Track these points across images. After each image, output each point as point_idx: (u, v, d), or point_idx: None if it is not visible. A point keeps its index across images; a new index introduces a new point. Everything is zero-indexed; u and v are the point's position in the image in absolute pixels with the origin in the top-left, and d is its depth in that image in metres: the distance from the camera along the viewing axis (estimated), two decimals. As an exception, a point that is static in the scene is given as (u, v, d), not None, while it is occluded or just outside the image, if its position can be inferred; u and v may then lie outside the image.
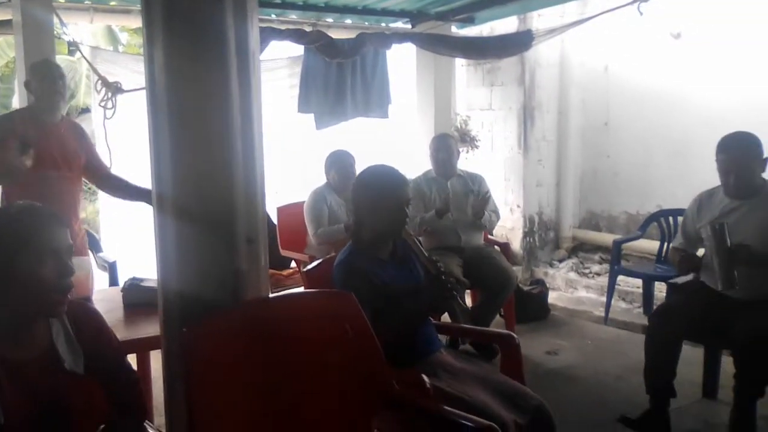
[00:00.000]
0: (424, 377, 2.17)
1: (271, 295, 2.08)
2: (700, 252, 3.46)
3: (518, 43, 4.11)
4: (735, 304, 3.18)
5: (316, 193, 4.51)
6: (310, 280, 2.65)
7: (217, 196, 1.91)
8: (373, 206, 2.51)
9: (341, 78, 4.70)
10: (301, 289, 3.11)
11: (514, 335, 2.65)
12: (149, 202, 2.11)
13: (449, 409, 1.99)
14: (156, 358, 2.43)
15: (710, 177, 3.57)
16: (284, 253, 4.65)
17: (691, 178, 5.38)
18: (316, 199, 4.46)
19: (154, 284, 2.85)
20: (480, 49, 4.11)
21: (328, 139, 5.07)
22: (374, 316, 2.24)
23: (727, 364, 3.58)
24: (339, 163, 4.49)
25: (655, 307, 5.11)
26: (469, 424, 1.89)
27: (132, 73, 4.47)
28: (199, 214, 1.90)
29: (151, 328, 2.55)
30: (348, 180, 4.46)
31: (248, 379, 1.88)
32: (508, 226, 6.12)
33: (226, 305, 1.91)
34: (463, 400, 2.21)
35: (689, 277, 3.65)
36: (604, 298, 5.33)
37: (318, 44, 3.89)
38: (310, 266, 2.63)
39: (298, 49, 4.67)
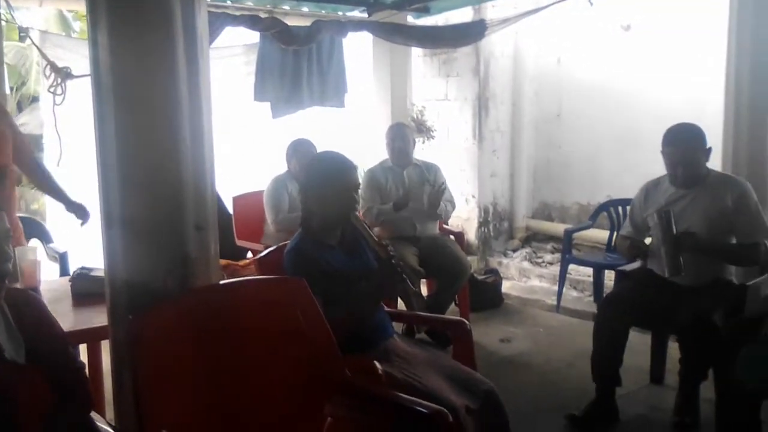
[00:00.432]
0: (376, 363, 2.16)
1: (220, 282, 2.04)
2: (647, 241, 3.52)
3: (472, 32, 4.13)
4: (680, 290, 3.24)
5: (277, 180, 4.46)
6: (262, 268, 2.61)
7: (165, 183, 1.87)
8: (320, 192, 2.49)
9: (297, 67, 4.65)
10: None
11: (465, 321, 2.66)
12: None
13: (400, 394, 1.98)
14: (108, 351, 2.38)
15: (658, 167, 3.62)
16: (240, 243, 4.59)
17: (640, 168, 5.46)
18: (276, 186, 4.42)
19: (102, 274, 2.80)
20: (435, 39, 4.11)
21: (284, 129, 5.02)
22: (325, 303, 2.23)
23: (673, 350, 3.67)
24: (300, 151, 4.45)
25: (604, 294, 5.23)
26: (420, 409, 1.89)
27: (83, 58, 4.30)
28: (146, 201, 1.87)
29: (101, 318, 2.47)
30: None
31: (197, 368, 1.85)
32: (464, 217, 6.14)
33: (174, 293, 1.88)
34: (415, 386, 2.21)
35: (636, 264, 3.72)
36: (556, 287, 5.40)
37: (273, 31, 3.84)
38: (262, 254, 2.59)
39: (254, 37, 4.61)
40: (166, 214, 1.87)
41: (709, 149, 3.31)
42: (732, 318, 3.15)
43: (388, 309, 2.66)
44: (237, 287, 2.20)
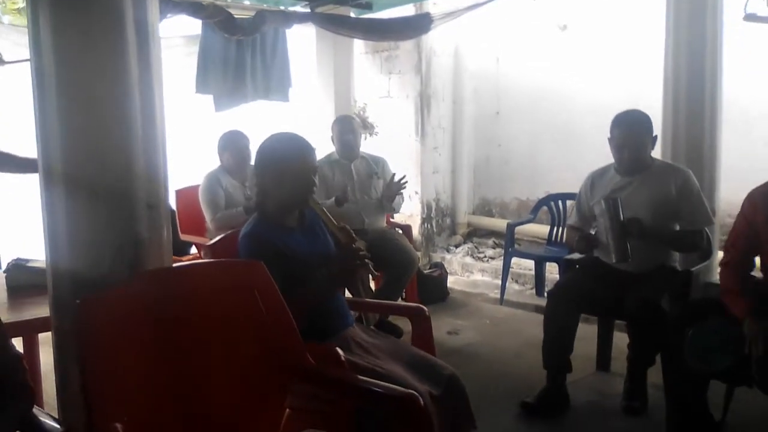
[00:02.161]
0: (339, 350, 2.04)
1: (174, 265, 1.89)
2: (593, 232, 3.52)
3: (417, 26, 4.06)
4: (627, 277, 3.24)
5: (210, 176, 4.24)
6: (214, 256, 2.44)
7: (114, 156, 1.71)
8: (277, 174, 2.34)
9: (241, 59, 4.47)
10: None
11: (424, 308, 2.57)
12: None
13: (369, 379, 1.87)
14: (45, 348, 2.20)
15: (595, 163, 3.65)
16: (184, 237, 4.36)
17: (577, 164, 5.52)
18: (210, 183, 4.20)
19: (41, 265, 2.58)
20: (380, 31, 4.03)
21: (226, 121, 4.82)
22: (283, 287, 2.09)
23: (618, 338, 3.69)
24: (233, 144, 4.25)
25: (546, 287, 5.25)
26: (391, 393, 1.78)
27: (15, 45, 4.07)
28: (93, 177, 1.70)
29: (38, 311, 2.29)
30: (243, 162, 4.25)
31: (151, 356, 1.69)
32: (407, 213, 6.07)
33: (124, 276, 1.71)
34: (378, 374, 2.10)
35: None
36: (498, 281, 5.40)
37: (216, 20, 3.67)
38: (213, 240, 2.43)
39: (195, 28, 4.42)
40: (115, 192, 1.70)
41: (655, 137, 3.34)
42: (678, 302, 3.18)
43: (348, 298, 2.54)
44: (192, 270, 2.03)
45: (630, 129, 3.26)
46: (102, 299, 1.64)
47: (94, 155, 1.69)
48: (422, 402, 1.82)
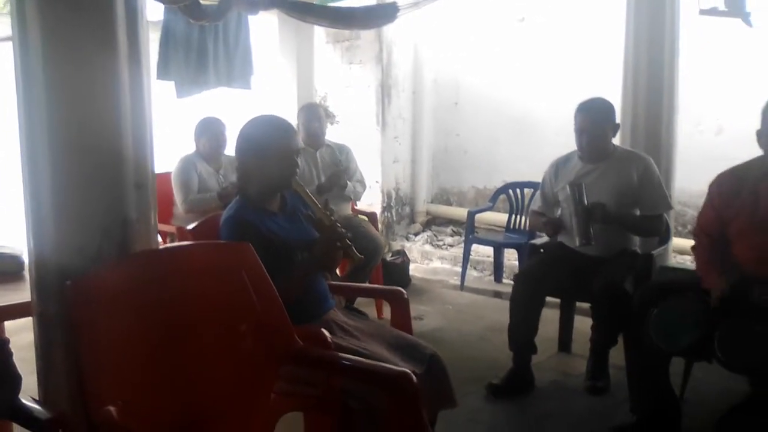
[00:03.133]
0: (325, 332, 2.03)
1: (161, 247, 1.84)
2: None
3: (383, 14, 4.04)
4: (590, 260, 3.31)
5: (185, 160, 4.18)
6: (194, 240, 2.38)
7: (102, 135, 1.65)
8: (259, 156, 2.30)
9: (203, 45, 4.37)
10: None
11: (403, 290, 2.58)
12: None
13: (360, 359, 1.86)
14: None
15: (551, 153, 3.72)
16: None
17: (534, 154, 5.63)
18: (184, 166, 4.14)
19: (10, 251, 2.49)
20: (347, 19, 4.00)
21: (189, 109, 4.73)
22: (268, 271, 2.06)
23: (578, 321, 3.77)
24: (210, 130, 4.20)
25: (504, 273, 5.33)
26: (382, 372, 1.78)
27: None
28: (79, 157, 1.64)
29: (7, 297, 2.21)
30: (219, 148, 4.23)
31: (141, 337, 1.65)
32: (368, 202, 6.06)
33: (112, 258, 1.66)
34: (363, 355, 2.09)
35: (545, 238, 3.78)
36: (457, 268, 5.46)
37: (182, 4, 3.58)
38: (193, 224, 2.37)
39: (157, 13, 4.30)
40: (103, 171, 1.64)
41: (617, 125, 3.41)
42: (640, 284, 3.26)
43: (329, 282, 2.53)
44: (181, 252, 1.99)
45: (589, 115, 3.32)
46: (92, 281, 1.59)
47: (81, 134, 1.62)
48: (414, 380, 1.82)
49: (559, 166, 3.57)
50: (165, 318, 1.69)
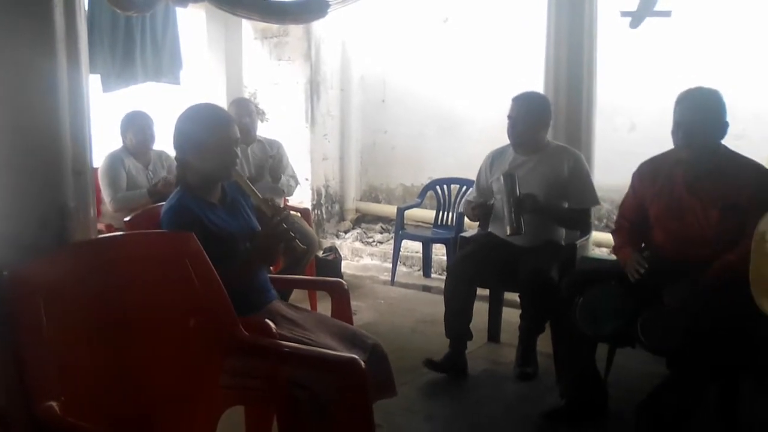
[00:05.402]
0: (270, 322, 1.99)
1: (102, 236, 1.76)
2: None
3: (314, 9, 4.00)
4: (519, 250, 3.38)
5: (112, 156, 4.02)
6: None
7: (38, 120, 1.56)
8: (198, 146, 2.23)
9: (130, 37, 4.21)
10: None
11: (343, 282, 2.57)
12: None
13: (308, 347, 1.83)
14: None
15: (476, 149, 3.81)
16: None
17: (459, 151, 5.74)
18: (112, 163, 3.98)
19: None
20: (277, 14, 3.93)
21: (116, 103, 4.53)
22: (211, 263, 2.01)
23: (506, 312, 3.86)
24: (136, 124, 4.04)
25: (432, 268, 5.40)
26: (330, 359, 1.76)
27: None
28: (14, 140, 1.55)
29: None
30: (147, 142, 4.08)
31: (82, 329, 1.58)
32: (298, 199, 6.01)
33: (50, 248, 1.58)
34: (309, 344, 2.07)
35: (475, 230, 3.85)
36: (387, 264, 5.49)
37: (109, -6, 3.44)
38: (129, 216, 2.27)
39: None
40: (39, 156, 1.56)
41: (547, 120, 3.49)
42: (566, 273, 3.36)
43: (270, 275, 2.48)
44: (122, 241, 1.90)
45: (518, 104, 3.42)
46: (30, 273, 1.50)
47: (15, 117, 1.53)
48: (363, 365, 1.81)
49: (495, 157, 3.63)
50: (107, 310, 1.62)
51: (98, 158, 3.99)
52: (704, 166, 2.72)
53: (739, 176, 2.68)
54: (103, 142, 4.14)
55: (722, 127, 2.69)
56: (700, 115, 2.66)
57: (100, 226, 3.72)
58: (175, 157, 2.30)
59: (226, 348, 1.83)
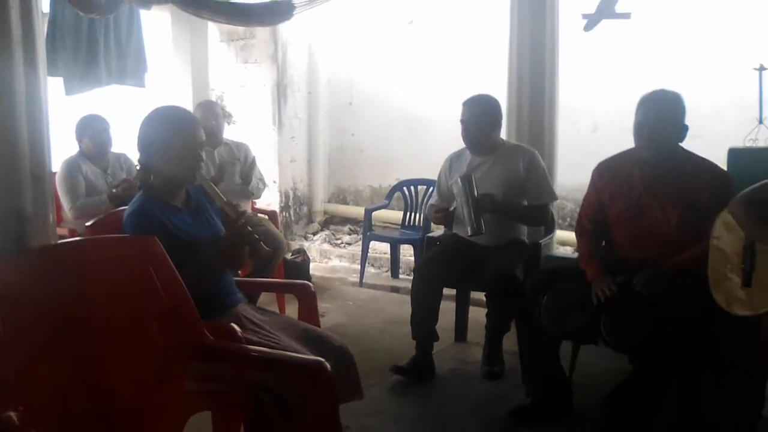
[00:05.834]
0: (235, 326, 1.97)
1: (62, 241, 1.72)
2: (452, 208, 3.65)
3: (280, 12, 3.98)
4: (484, 249, 3.40)
5: (69, 162, 3.91)
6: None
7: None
8: (162, 149, 2.18)
9: (93, 40, 4.12)
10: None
11: (310, 284, 2.56)
12: None
13: (273, 351, 1.82)
14: None
15: (442, 150, 3.82)
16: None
17: (426, 152, 5.75)
18: (69, 170, 3.88)
19: None
20: (243, 16, 3.90)
21: (79, 107, 4.44)
22: (174, 267, 1.98)
23: (473, 312, 3.88)
24: (92, 128, 3.94)
25: (401, 269, 5.40)
26: (296, 362, 1.75)
27: None
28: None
29: None
30: (104, 146, 3.98)
31: (43, 336, 1.54)
32: (266, 201, 5.96)
33: (8, 253, 1.54)
34: (275, 347, 2.05)
35: (442, 231, 3.87)
36: (355, 265, 5.49)
37: (72, -5, 3.37)
38: (92, 221, 2.22)
39: (43, 5, 4.02)
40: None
41: (498, 120, 3.51)
42: (530, 272, 3.39)
43: (236, 278, 2.45)
44: (83, 246, 1.86)
45: (468, 108, 3.46)
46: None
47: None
48: (329, 368, 1.80)
49: (453, 160, 3.66)
50: (68, 316, 1.58)
51: (56, 164, 3.91)
52: (663, 166, 2.76)
53: (697, 177, 2.73)
54: (69, 146, 4.08)
55: (682, 130, 2.75)
56: (663, 116, 2.71)
57: (63, 231, 3.64)
58: (138, 160, 2.26)
59: (191, 352, 1.81)
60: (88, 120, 3.98)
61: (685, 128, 2.74)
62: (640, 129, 2.75)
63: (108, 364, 1.64)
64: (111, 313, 1.67)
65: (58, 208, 3.89)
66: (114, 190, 3.80)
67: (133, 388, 1.69)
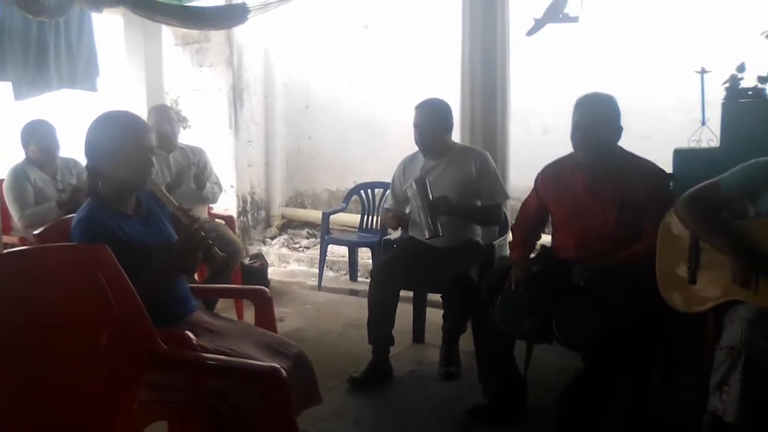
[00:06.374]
0: (189, 334, 1.93)
1: (7, 251, 1.66)
2: (407, 210, 3.66)
3: (234, 15, 3.94)
4: (439, 252, 3.42)
5: (16, 170, 3.79)
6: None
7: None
8: (110, 154, 2.13)
9: (43, 43, 4.01)
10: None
11: (266, 289, 2.53)
12: None
13: (228, 358, 1.79)
14: None
15: (397, 153, 3.84)
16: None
17: (382, 155, 5.74)
18: (16, 178, 3.76)
19: None
20: (196, 19, 3.84)
21: (28, 112, 4.31)
22: (126, 275, 1.93)
23: (430, 313, 3.89)
24: (38, 134, 3.82)
25: (359, 272, 5.40)
26: (250, 369, 1.72)
27: None
28: None
29: None
30: (51, 152, 3.87)
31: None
32: (223, 206, 5.89)
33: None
34: (230, 355, 2.02)
35: (398, 234, 3.87)
36: (314, 269, 5.48)
37: (20, -1, 3.27)
38: (40, 230, 2.15)
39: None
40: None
41: (450, 123, 3.54)
42: (485, 273, 3.42)
43: (192, 285, 2.41)
44: (31, 255, 1.80)
45: (420, 111, 3.49)
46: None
47: None
48: (284, 374, 1.78)
49: (406, 164, 3.67)
50: (16, 325, 1.53)
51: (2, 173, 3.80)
52: (601, 166, 2.83)
53: (635, 176, 2.80)
54: (19, 151, 3.95)
55: (617, 130, 2.82)
56: (597, 118, 2.79)
57: (12, 239, 3.53)
58: (86, 167, 2.19)
59: (144, 361, 1.77)
60: (34, 125, 3.86)
61: (620, 129, 2.83)
62: (575, 131, 2.83)
63: (57, 373, 1.59)
64: (60, 322, 1.62)
65: (8, 216, 3.78)
66: (62, 197, 3.70)
67: (85, 398, 1.64)
